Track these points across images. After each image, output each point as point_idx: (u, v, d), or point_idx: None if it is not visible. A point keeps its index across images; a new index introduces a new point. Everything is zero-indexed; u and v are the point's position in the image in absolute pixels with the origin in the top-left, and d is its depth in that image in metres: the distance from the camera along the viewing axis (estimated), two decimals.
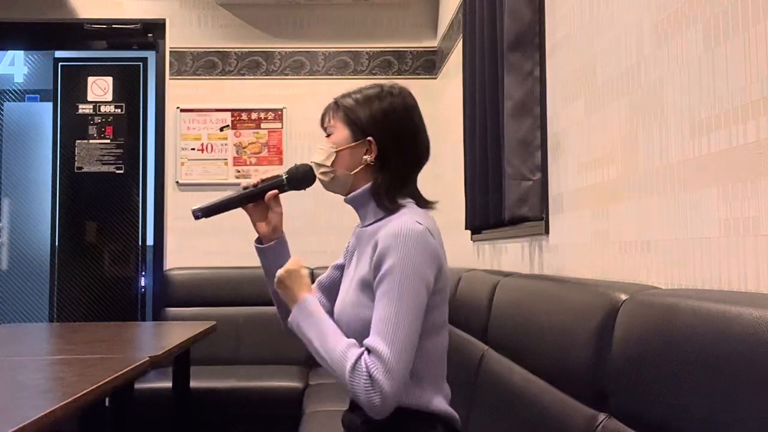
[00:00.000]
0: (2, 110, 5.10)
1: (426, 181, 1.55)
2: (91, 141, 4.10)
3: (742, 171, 1.04)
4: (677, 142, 1.23)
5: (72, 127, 4.10)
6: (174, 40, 4.07)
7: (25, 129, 5.04)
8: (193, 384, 3.03)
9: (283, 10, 4.09)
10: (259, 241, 1.59)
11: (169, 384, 2.97)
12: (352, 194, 1.48)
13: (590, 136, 1.65)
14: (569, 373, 1.25)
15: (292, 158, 4.01)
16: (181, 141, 4.02)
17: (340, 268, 1.62)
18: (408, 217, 1.35)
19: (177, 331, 2.62)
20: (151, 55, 4.20)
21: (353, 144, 1.45)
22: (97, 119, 4.11)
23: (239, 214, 1.60)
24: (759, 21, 1.00)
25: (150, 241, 4.11)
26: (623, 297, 1.13)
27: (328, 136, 1.49)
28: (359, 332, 1.35)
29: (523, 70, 2.05)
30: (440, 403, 1.40)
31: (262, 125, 4.07)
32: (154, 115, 4.13)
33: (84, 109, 4.12)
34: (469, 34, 2.76)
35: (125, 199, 4.11)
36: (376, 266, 1.32)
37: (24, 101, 5.24)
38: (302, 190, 1.58)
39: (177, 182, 4.01)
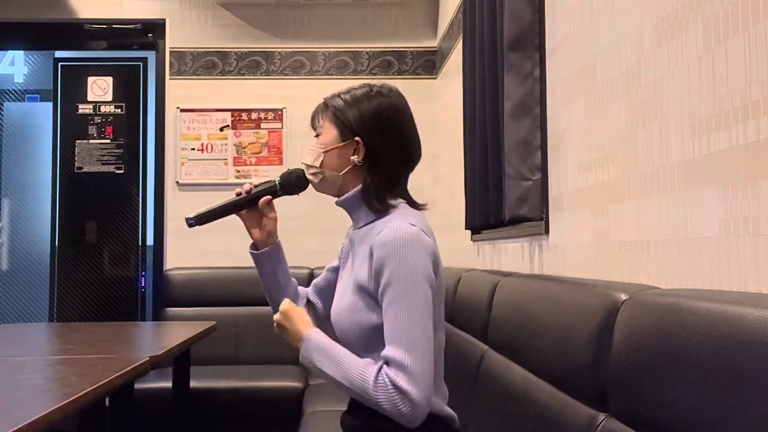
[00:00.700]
0: (2, 110, 5.10)
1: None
2: (91, 141, 4.10)
3: (742, 171, 1.04)
4: (677, 142, 1.23)
5: (72, 127, 4.10)
6: (174, 40, 4.07)
7: (25, 129, 5.04)
8: (193, 384, 3.03)
9: (283, 10, 4.09)
10: (254, 247, 1.58)
11: (169, 384, 2.97)
12: (342, 197, 1.47)
13: (590, 136, 1.65)
14: (569, 373, 1.25)
15: (292, 158, 4.01)
16: (181, 141, 4.02)
17: (335, 271, 1.61)
18: (400, 220, 1.34)
19: (177, 331, 2.62)
20: (151, 55, 4.20)
21: (341, 144, 1.43)
22: (97, 119, 4.11)
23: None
24: (759, 21, 1.00)
25: (150, 241, 4.11)
26: (623, 297, 1.13)
27: (318, 136, 1.48)
28: (357, 336, 1.35)
29: (523, 70, 2.05)
30: (438, 403, 1.40)
31: (262, 125, 4.06)
32: (154, 115, 4.12)
33: (84, 109, 4.12)
34: (469, 34, 2.76)
35: (125, 199, 4.10)
36: (377, 276, 1.31)
37: (24, 101, 5.24)
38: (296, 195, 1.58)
39: (177, 182, 4.01)
